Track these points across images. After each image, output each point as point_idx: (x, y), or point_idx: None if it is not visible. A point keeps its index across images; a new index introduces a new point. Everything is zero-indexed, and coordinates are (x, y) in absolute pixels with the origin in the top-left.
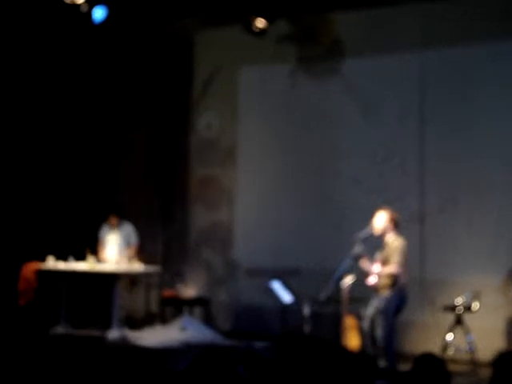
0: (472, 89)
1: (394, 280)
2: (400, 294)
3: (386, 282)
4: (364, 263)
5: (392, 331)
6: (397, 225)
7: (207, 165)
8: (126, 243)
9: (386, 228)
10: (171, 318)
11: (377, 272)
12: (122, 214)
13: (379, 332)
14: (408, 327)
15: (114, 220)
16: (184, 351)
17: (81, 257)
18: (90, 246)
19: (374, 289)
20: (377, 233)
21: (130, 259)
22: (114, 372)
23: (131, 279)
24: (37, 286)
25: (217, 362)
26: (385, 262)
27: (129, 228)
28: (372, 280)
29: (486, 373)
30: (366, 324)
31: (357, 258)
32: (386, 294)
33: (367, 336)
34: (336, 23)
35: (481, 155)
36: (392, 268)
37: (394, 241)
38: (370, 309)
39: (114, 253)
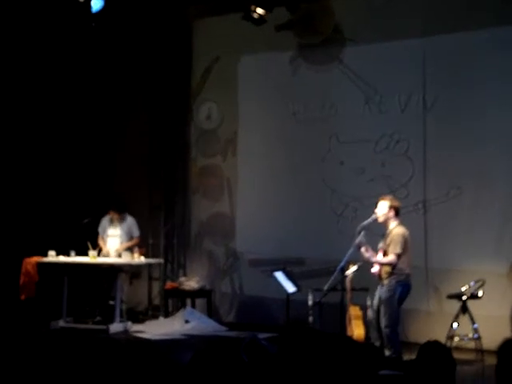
0: (475, 75)
1: (395, 269)
2: (403, 283)
3: (387, 270)
4: (365, 252)
5: (396, 320)
6: (398, 213)
7: (208, 155)
8: (128, 236)
9: (387, 216)
10: (174, 310)
11: (377, 262)
12: (122, 208)
13: (383, 321)
14: (413, 316)
15: (114, 215)
16: (187, 343)
17: (82, 251)
18: (91, 241)
19: (378, 278)
20: (379, 221)
21: (132, 252)
22: (117, 365)
23: (132, 272)
24: (38, 280)
25: (221, 354)
26: (387, 251)
27: (131, 221)
28: (375, 269)
29: (491, 360)
30: (370, 313)
31: (359, 247)
32: (388, 283)
33: (372, 325)
34: (336, 10)
35: (485, 142)
36: (390, 258)
37: (394, 229)
38: (375, 298)
39: (116, 246)
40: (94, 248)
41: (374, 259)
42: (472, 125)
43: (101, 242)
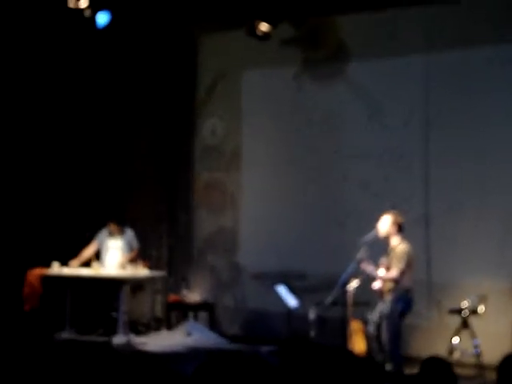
0: (476, 91)
1: (397, 285)
2: (405, 298)
3: (389, 286)
4: (366, 267)
5: (397, 335)
6: (401, 228)
7: (212, 169)
8: (129, 249)
9: (390, 231)
10: (176, 322)
11: (379, 276)
12: (121, 220)
13: (385, 336)
14: (414, 330)
15: (113, 227)
16: (190, 356)
17: (85, 262)
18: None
19: (379, 293)
20: (381, 236)
21: (133, 264)
22: (120, 377)
23: (135, 285)
24: (42, 292)
25: (223, 367)
26: (389, 267)
27: (130, 234)
28: (376, 284)
29: (492, 376)
30: (371, 328)
31: (360, 262)
32: (390, 298)
33: (373, 340)
34: (340, 26)
35: (486, 157)
36: (392, 273)
37: (398, 245)
38: (375, 313)
39: (117, 259)
40: (98, 259)
41: (375, 274)
42: (474, 139)
43: (87, 251)
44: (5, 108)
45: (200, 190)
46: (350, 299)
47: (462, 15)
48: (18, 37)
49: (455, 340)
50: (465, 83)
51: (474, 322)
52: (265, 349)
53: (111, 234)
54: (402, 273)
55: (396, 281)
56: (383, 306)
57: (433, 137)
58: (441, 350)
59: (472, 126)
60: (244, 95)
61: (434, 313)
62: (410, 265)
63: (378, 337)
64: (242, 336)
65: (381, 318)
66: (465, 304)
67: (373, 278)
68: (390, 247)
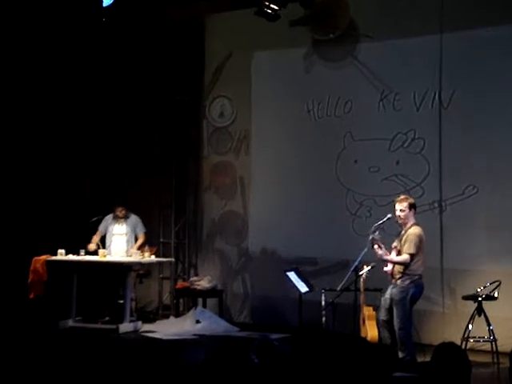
0: (492, 72)
1: (407, 269)
2: (416, 284)
3: (400, 270)
4: (378, 249)
5: (409, 322)
6: (415, 211)
7: (220, 153)
8: (134, 234)
9: (406, 215)
10: (185, 309)
11: (389, 259)
12: (128, 204)
13: (396, 323)
14: (427, 317)
15: (121, 211)
16: (198, 343)
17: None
18: (101, 239)
19: (390, 276)
20: (397, 220)
21: (140, 250)
22: (127, 365)
23: (142, 271)
24: (47, 280)
25: (233, 354)
26: (401, 251)
27: (136, 219)
28: (387, 267)
29: (506, 363)
30: (382, 314)
31: (372, 245)
32: (401, 283)
33: (383, 326)
34: (351, 5)
35: (501, 141)
36: (403, 257)
37: (410, 229)
38: (386, 298)
39: (122, 245)
40: (103, 246)
41: (386, 257)
42: (488, 122)
43: (95, 238)
44: (9, 92)
45: (208, 173)
46: (362, 285)
47: None
48: (21, 18)
49: (469, 326)
50: (480, 64)
51: (488, 308)
52: (275, 336)
53: (116, 220)
54: (412, 256)
55: (406, 264)
56: (394, 291)
57: (446, 120)
58: (455, 337)
59: (487, 109)
60: (253, 76)
61: (447, 299)
62: (421, 249)
63: (389, 322)
64: (252, 323)
65: (391, 302)
66: (479, 290)
67: (384, 263)
68: (403, 230)
